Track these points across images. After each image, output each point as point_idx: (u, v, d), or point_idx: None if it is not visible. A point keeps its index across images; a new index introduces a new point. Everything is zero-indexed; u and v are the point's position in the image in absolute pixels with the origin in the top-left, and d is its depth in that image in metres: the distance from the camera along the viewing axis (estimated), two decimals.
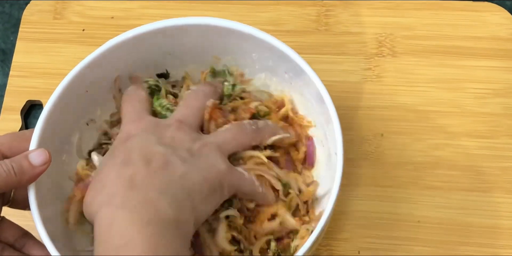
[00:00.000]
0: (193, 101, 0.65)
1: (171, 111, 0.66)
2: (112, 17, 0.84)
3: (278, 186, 0.64)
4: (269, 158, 0.65)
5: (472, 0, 0.82)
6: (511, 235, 0.72)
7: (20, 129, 0.78)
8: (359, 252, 0.72)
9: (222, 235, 0.62)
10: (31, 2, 0.85)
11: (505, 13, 0.81)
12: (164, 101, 0.67)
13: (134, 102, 0.66)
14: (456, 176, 0.74)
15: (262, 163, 0.64)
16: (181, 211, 0.55)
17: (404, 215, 0.73)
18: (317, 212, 0.67)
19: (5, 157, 0.59)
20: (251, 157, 0.64)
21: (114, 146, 0.61)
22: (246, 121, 0.65)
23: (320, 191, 0.68)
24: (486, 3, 0.82)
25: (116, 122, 0.69)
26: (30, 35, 0.84)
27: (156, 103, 0.67)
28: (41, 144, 0.61)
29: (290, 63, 0.64)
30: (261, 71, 0.70)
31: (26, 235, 0.62)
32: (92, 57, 0.64)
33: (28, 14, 0.85)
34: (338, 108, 0.61)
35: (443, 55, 0.80)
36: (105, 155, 0.62)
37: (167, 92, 0.69)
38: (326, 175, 0.67)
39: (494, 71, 0.78)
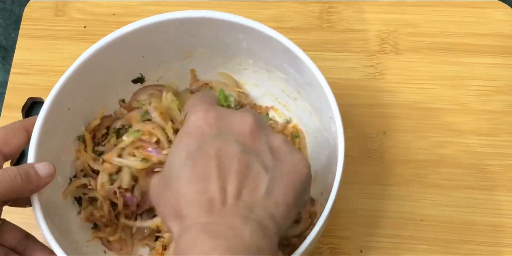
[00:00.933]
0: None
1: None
2: (114, 14, 0.83)
3: None
4: None
5: None
6: None
7: None
8: (361, 251, 0.72)
9: None
10: None
11: (509, 9, 0.80)
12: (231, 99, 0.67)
13: (201, 95, 0.62)
14: (459, 174, 0.74)
15: None
16: (265, 237, 0.51)
17: (406, 214, 0.73)
18: (317, 210, 0.67)
19: (2, 152, 0.60)
20: None
21: (186, 145, 0.54)
22: None
23: (321, 189, 0.68)
24: (490, 0, 0.81)
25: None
26: (32, 32, 0.83)
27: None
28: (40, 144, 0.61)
29: (292, 58, 0.64)
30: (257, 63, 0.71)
31: (27, 237, 0.62)
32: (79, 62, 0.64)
33: (30, 11, 0.84)
34: (340, 106, 0.61)
35: (446, 52, 0.79)
36: (176, 151, 0.55)
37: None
38: (327, 172, 0.67)
39: (497, 68, 0.78)
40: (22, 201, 0.60)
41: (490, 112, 0.76)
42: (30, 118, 0.63)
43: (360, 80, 0.79)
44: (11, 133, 0.61)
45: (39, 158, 0.60)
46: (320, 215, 0.58)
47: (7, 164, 0.61)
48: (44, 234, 0.58)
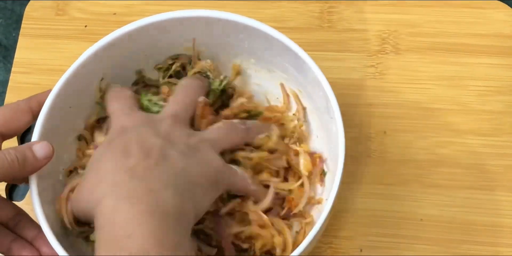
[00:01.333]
0: (183, 96, 0.65)
1: (160, 106, 0.66)
2: (115, 14, 0.83)
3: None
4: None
5: None
6: None
7: None
8: (361, 251, 0.72)
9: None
10: None
11: (509, 10, 0.80)
12: (153, 97, 0.67)
13: (121, 99, 0.65)
14: (459, 174, 0.74)
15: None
16: (183, 203, 0.55)
17: (406, 213, 0.73)
18: (317, 210, 0.67)
19: (1, 132, 0.60)
20: (245, 158, 0.65)
21: (110, 138, 0.60)
22: (236, 121, 0.66)
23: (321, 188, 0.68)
24: (490, 0, 0.81)
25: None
26: (32, 31, 0.83)
27: (144, 99, 0.66)
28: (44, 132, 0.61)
29: (293, 58, 0.64)
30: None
31: (19, 213, 0.62)
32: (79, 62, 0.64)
33: (30, 10, 0.84)
34: (340, 105, 0.61)
35: (446, 52, 0.79)
36: (99, 147, 0.61)
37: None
38: (328, 171, 0.67)
39: (497, 68, 0.78)
40: (19, 179, 0.61)
41: (490, 112, 0.76)
42: (36, 96, 0.63)
43: (360, 80, 0.79)
44: (15, 113, 0.61)
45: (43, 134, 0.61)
46: (320, 215, 0.59)
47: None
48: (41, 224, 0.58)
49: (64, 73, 0.63)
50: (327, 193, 0.65)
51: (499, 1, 0.81)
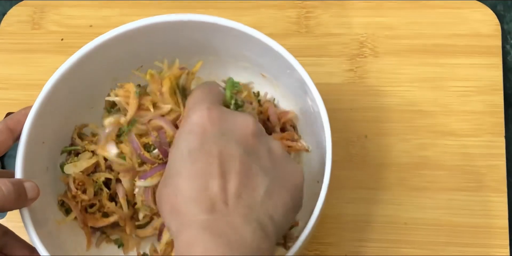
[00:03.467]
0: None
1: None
2: (91, 26, 0.83)
3: None
4: None
5: None
6: (500, 234, 0.71)
7: None
8: None
9: None
10: (8, 12, 0.84)
11: (487, 9, 0.80)
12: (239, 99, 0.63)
13: (206, 91, 0.60)
14: (442, 176, 0.74)
15: None
16: (265, 237, 0.51)
17: (390, 217, 0.73)
18: (304, 216, 0.66)
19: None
20: None
21: (188, 142, 0.54)
22: None
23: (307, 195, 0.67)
24: (467, 0, 0.81)
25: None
26: (9, 46, 0.83)
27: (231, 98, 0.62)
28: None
29: (279, 60, 0.64)
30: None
31: (6, 234, 0.61)
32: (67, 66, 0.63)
33: (6, 25, 0.84)
34: None
35: (425, 53, 0.79)
36: (177, 148, 0.55)
37: None
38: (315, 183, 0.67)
39: (476, 68, 0.78)
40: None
41: (471, 113, 0.76)
42: (12, 117, 0.62)
43: (340, 85, 0.79)
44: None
45: (26, 172, 0.60)
46: (307, 222, 0.58)
47: None
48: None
49: (42, 87, 0.62)
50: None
51: (476, 1, 0.81)
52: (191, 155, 0.53)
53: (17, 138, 0.61)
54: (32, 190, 0.58)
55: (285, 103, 0.72)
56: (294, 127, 0.72)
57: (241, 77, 0.71)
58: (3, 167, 0.79)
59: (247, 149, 0.54)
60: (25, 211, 0.58)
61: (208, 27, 0.64)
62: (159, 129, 0.62)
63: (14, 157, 0.60)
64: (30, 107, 0.61)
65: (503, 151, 0.74)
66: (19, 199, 0.56)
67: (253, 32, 0.63)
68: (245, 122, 0.56)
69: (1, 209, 0.56)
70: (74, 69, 0.63)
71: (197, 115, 0.55)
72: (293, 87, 0.67)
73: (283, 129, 0.71)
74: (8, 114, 0.79)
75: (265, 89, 0.72)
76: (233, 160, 0.53)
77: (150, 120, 0.62)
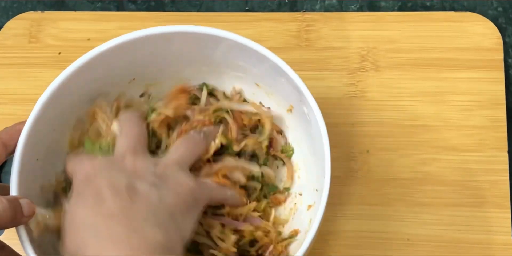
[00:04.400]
0: (128, 129, 0.64)
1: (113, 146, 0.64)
2: (89, 39, 0.82)
3: (242, 179, 0.66)
4: None
5: (454, 11, 0.81)
6: (502, 250, 0.71)
7: None
8: None
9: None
10: (5, 26, 0.84)
11: (488, 22, 0.80)
12: (103, 143, 0.65)
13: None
14: (444, 192, 0.73)
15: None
16: (168, 233, 0.54)
17: (393, 233, 0.72)
18: (303, 231, 0.66)
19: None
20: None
21: (77, 191, 0.58)
22: (192, 132, 0.66)
23: (306, 210, 0.67)
24: (468, 13, 0.81)
25: None
26: (6, 60, 0.82)
27: (94, 147, 0.65)
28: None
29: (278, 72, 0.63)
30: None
31: (3, 248, 0.61)
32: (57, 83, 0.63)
33: (3, 39, 0.83)
34: None
35: (426, 67, 0.78)
36: (70, 200, 0.59)
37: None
38: (313, 192, 0.66)
39: (478, 82, 0.77)
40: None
41: (473, 127, 0.76)
42: (6, 131, 0.61)
43: (341, 99, 0.78)
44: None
45: (20, 190, 0.59)
46: (305, 238, 0.58)
47: None
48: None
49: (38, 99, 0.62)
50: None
51: (477, 14, 0.80)
52: (79, 195, 0.58)
53: (11, 152, 0.60)
54: (28, 208, 0.57)
55: (281, 114, 0.71)
56: (280, 132, 0.71)
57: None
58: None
59: (129, 173, 0.58)
60: (22, 228, 0.57)
61: (201, 38, 0.64)
62: None
63: (9, 173, 0.60)
64: (24, 122, 0.61)
65: (506, 166, 0.74)
66: (15, 216, 0.56)
67: (247, 42, 0.63)
68: (121, 156, 0.61)
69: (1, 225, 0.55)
70: (66, 84, 0.62)
71: (79, 169, 0.60)
72: (288, 96, 0.67)
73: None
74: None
75: (260, 98, 0.72)
76: (119, 184, 0.56)
77: None
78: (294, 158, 0.71)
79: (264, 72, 0.66)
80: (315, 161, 0.67)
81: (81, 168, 0.59)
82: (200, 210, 0.61)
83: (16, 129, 0.61)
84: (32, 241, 0.58)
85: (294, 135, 0.71)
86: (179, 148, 0.64)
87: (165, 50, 0.66)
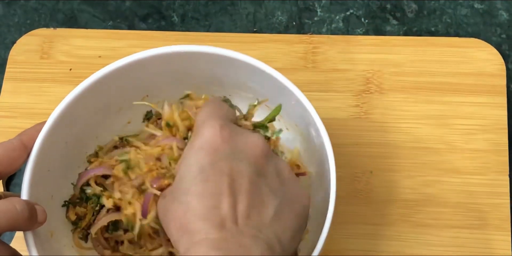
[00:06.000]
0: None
1: None
2: (100, 56, 0.84)
3: None
4: None
5: (458, 36, 0.83)
6: None
7: None
8: None
9: None
10: (17, 41, 0.85)
11: (492, 49, 0.81)
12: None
13: (217, 108, 0.60)
14: (446, 213, 0.74)
15: None
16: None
17: (394, 254, 0.73)
18: (308, 248, 0.66)
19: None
20: None
21: (199, 159, 0.54)
22: None
23: (311, 227, 0.68)
24: (472, 39, 0.82)
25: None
26: (17, 75, 0.83)
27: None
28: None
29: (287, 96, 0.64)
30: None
31: (14, 255, 0.61)
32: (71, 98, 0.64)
33: (15, 54, 0.84)
34: None
35: (430, 91, 0.80)
36: (186, 164, 0.55)
37: None
38: (317, 209, 0.67)
39: (481, 107, 0.78)
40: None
41: (476, 151, 0.77)
42: (27, 132, 0.62)
43: (346, 120, 0.79)
44: (11, 151, 0.60)
45: (31, 199, 0.60)
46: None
47: None
48: None
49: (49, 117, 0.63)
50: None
51: (481, 40, 0.82)
52: (202, 173, 0.53)
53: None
54: (42, 214, 0.58)
55: (288, 134, 0.72)
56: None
57: (245, 107, 0.72)
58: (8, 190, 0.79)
59: (257, 169, 0.55)
60: (29, 235, 0.58)
61: (213, 58, 0.65)
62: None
63: (19, 185, 0.61)
64: (44, 123, 0.62)
65: (508, 190, 0.75)
66: (31, 219, 0.56)
67: (257, 64, 0.64)
68: (256, 142, 0.56)
69: (14, 227, 0.56)
70: (80, 99, 0.64)
71: (209, 132, 0.55)
72: (297, 118, 0.68)
73: None
74: None
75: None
76: (243, 180, 0.53)
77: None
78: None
79: (273, 94, 0.67)
80: (320, 184, 0.67)
81: (212, 133, 0.56)
82: (304, 230, 0.58)
83: (36, 129, 0.61)
84: (39, 246, 0.59)
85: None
86: None
87: (176, 68, 0.67)
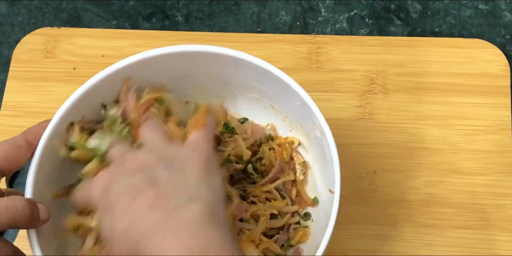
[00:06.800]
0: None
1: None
2: (103, 56, 0.84)
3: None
4: None
5: (462, 37, 0.83)
6: None
7: None
8: None
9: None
10: (21, 40, 0.85)
11: (496, 49, 0.81)
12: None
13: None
14: (449, 214, 0.74)
15: None
16: (204, 200, 0.54)
17: (398, 254, 0.72)
18: (311, 249, 0.66)
19: (0, 169, 0.59)
20: None
21: (102, 207, 0.58)
22: None
23: (316, 228, 0.68)
24: (476, 40, 0.82)
25: None
26: (21, 74, 0.84)
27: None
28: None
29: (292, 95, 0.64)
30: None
31: (16, 253, 0.61)
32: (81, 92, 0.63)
33: (19, 53, 0.84)
34: None
35: (434, 92, 0.80)
36: (101, 217, 0.58)
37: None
38: (322, 211, 0.67)
39: (484, 107, 0.78)
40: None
41: (479, 152, 0.77)
42: (32, 130, 0.62)
43: (349, 120, 0.79)
44: (15, 149, 0.60)
45: (35, 197, 0.60)
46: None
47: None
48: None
49: (52, 115, 0.63)
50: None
51: (485, 41, 0.82)
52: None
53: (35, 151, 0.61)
54: (44, 212, 0.58)
55: (293, 134, 0.72)
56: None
57: (251, 108, 0.72)
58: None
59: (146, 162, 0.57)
60: (33, 233, 0.58)
61: (219, 59, 0.65)
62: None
63: (22, 183, 0.61)
64: (49, 120, 0.62)
65: (511, 190, 0.75)
66: (32, 217, 0.56)
67: (263, 64, 0.64)
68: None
69: (15, 225, 0.56)
70: (84, 98, 0.64)
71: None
72: (302, 119, 0.68)
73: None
74: None
75: (273, 120, 0.73)
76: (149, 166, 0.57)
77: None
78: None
79: (278, 95, 0.67)
80: (324, 185, 0.68)
81: (93, 188, 0.58)
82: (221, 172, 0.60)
83: (41, 127, 0.62)
84: (42, 244, 0.59)
85: (307, 158, 0.72)
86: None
87: (181, 68, 0.67)
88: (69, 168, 0.66)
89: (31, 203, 0.57)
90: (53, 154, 0.62)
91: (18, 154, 0.60)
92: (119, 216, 0.55)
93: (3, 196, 0.58)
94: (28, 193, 0.60)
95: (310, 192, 0.72)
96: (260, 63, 0.64)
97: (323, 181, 0.70)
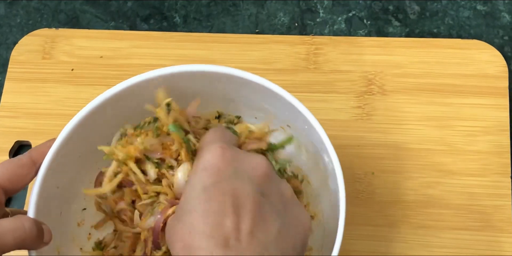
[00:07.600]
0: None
1: None
2: (101, 57, 0.84)
3: None
4: None
5: (461, 38, 0.83)
6: None
7: None
8: None
9: None
10: (19, 42, 0.85)
11: (494, 50, 0.81)
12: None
13: (219, 133, 0.60)
14: (448, 215, 0.74)
15: None
16: None
17: (396, 255, 0.72)
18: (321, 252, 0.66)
19: (4, 189, 0.58)
20: None
21: (202, 180, 0.54)
22: None
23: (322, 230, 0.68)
24: (475, 40, 0.82)
25: None
26: (19, 75, 0.83)
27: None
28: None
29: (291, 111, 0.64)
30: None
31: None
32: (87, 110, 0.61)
33: (17, 54, 0.84)
34: None
35: (433, 92, 0.80)
36: (191, 185, 0.55)
37: None
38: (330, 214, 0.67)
39: (483, 108, 0.78)
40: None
41: (478, 153, 0.76)
42: (37, 149, 0.61)
43: (347, 121, 0.79)
44: (19, 168, 0.59)
45: (38, 217, 0.59)
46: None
47: None
48: None
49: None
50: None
51: (483, 42, 0.82)
52: (205, 192, 0.53)
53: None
54: (47, 234, 0.57)
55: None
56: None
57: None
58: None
59: (260, 188, 0.54)
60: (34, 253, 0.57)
61: (227, 79, 0.63)
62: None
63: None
64: (54, 139, 0.61)
65: (509, 191, 0.75)
66: (38, 238, 0.56)
67: (274, 88, 0.62)
68: (259, 163, 0.56)
69: (21, 245, 0.55)
70: (90, 117, 0.61)
71: (211, 154, 0.55)
72: (312, 144, 0.67)
73: None
74: (17, 142, 0.79)
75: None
76: (246, 199, 0.53)
77: None
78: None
79: (284, 114, 0.66)
80: (326, 188, 0.67)
81: (213, 154, 0.55)
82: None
83: (47, 146, 0.60)
84: None
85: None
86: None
87: (187, 87, 0.65)
88: (75, 185, 0.65)
89: (38, 224, 0.56)
90: (58, 172, 0.61)
91: (22, 173, 0.59)
92: (202, 214, 0.52)
93: (8, 216, 0.57)
94: (31, 212, 0.58)
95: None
96: (268, 84, 0.61)
97: (324, 184, 0.69)
